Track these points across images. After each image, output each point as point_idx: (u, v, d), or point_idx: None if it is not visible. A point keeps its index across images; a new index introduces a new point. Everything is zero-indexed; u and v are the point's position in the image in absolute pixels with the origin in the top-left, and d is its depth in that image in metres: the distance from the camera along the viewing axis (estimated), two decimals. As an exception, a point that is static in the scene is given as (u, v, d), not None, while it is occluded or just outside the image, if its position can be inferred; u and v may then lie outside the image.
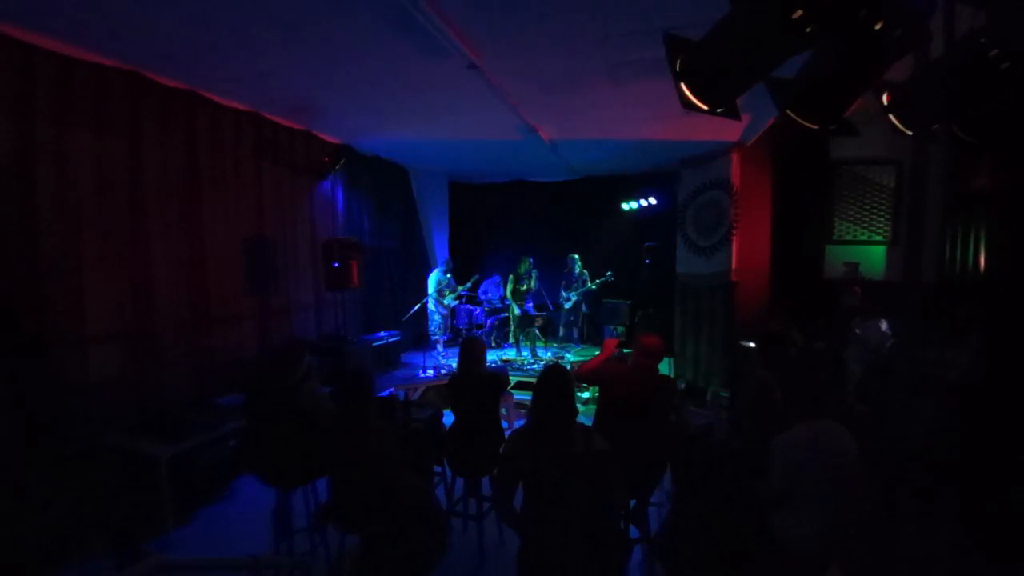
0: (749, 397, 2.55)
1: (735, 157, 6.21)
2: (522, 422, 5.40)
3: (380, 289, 7.59)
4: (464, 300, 8.01)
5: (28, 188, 3.42)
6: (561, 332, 8.47)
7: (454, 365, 4.28)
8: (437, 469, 3.88)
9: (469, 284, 7.59)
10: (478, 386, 3.41)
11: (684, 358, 7.18)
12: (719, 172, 6.46)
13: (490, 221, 9.83)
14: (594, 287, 7.75)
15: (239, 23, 3.28)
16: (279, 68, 4.04)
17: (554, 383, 2.19)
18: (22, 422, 3.31)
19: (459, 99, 4.68)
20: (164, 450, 3.56)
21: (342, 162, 6.15)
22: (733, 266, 6.29)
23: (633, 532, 3.13)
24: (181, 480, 3.71)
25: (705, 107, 2.01)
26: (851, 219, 6.76)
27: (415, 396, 6.07)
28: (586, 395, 6.20)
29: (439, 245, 8.86)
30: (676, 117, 4.51)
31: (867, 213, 6.69)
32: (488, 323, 8.30)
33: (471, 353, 3.47)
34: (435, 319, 7.46)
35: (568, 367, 2.62)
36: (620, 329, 8.04)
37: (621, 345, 6.06)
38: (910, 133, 2.39)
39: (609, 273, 7.55)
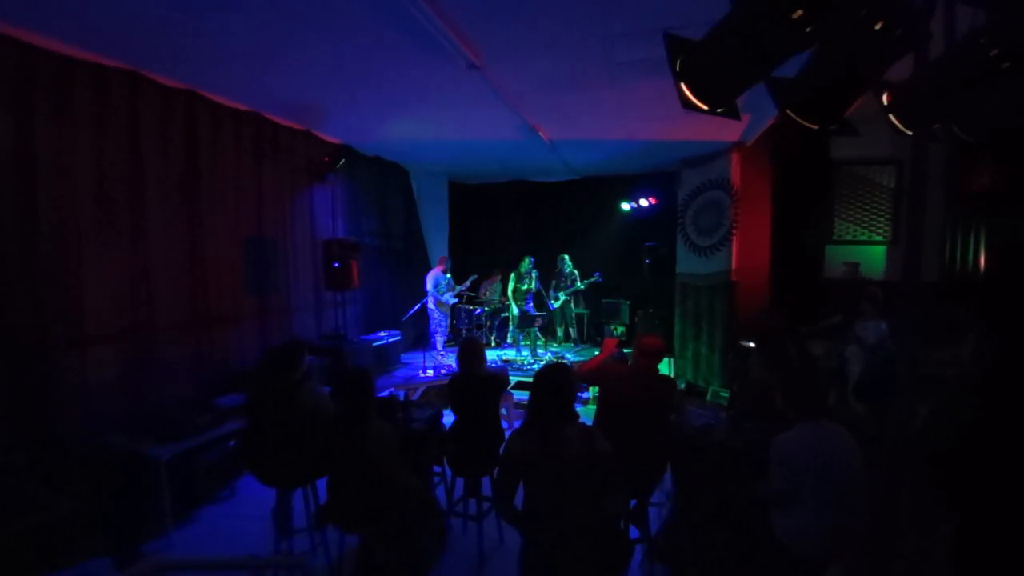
0: (749, 397, 2.56)
1: (735, 157, 6.21)
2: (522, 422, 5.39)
3: (380, 289, 7.59)
4: (463, 300, 8.02)
5: (28, 188, 3.41)
6: (559, 332, 8.48)
7: (454, 365, 4.28)
8: (437, 469, 3.88)
9: (467, 284, 7.59)
10: (478, 386, 3.41)
11: (684, 358, 7.18)
12: (719, 172, 6.46)
13: (490, 221, 9.83)
14: (582, 287, 7.75)
15: (240, 23, 3.28)
16: (279, 68, 4.04)
17: (551, 381, 2.17)
18: (22, 422, 3.31)
19: (459, 99, 4.68)
20: (164, 450, 3.56)
21: (342, 162, 6.15)
22: (733, 266, 6.29)
23: (633, 532, 3.13)
24: (181, 480, 3.71)
25: (705, 107, 2.01)
26: (851, 219, 6.77)
27: (415, 396, 6.07)
28: (586, 395, 6.20)
29: (439, 245, 8.86)
30: (676, 117, 4.51)
31: (867, 213, 6.69)
32: (489, 323, 8.29)
33: (471, 353, 3.47)
34: (435, 319, 7.46)
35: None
36: (620, 329, 8.05)
37: (621, 345, 6.08)
38: (910, 133, 2.39)
39: (597, 274, 7.54)
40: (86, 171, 3.75)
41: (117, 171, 3.96)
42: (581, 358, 7.38)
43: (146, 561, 2.12)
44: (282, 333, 5.63)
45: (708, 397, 6.21)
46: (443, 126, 5.71)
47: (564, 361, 7.10)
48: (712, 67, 1.92)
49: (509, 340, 7.94)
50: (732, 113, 2.08)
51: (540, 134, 5.80)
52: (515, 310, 7.64)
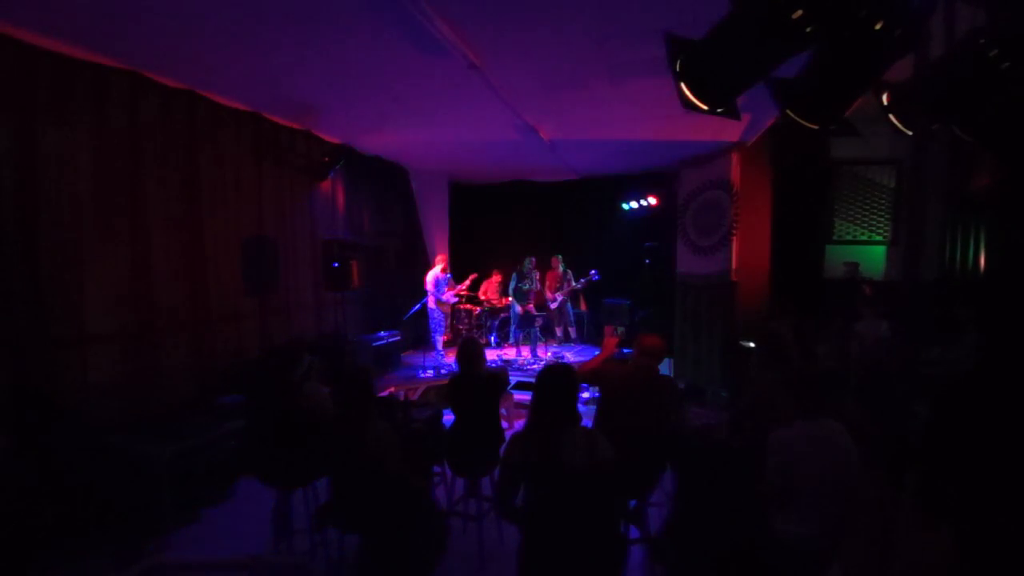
0: (749, 397, 2.56)
1: (735, 157, 6.21)
2: (522, 423, 5.40)
3: (380, 289, 7.59)
4: (463, 299, 8.01)
5: (28, 188, 3.41)
6: (559, 333, 8.47)
7: (454, 365, 4.28)
8: (437, 469, 3.88)
9: (467, 283, 7.59)
10: (478, 386, 3.41)
11: (684, 358, 7.18)
12: (719, 172, 6.46)
13: (490, 221, 9.82)
14: (578, 286, 7.75)
15: (240, 24, 3.28)
16: (279, 68, 4.04)
17: (553, 383, 2.15)
18: (22, 422, 3.31)
19: (459, 99, 4.68)
20: (164, 450, 3.56)
21: (342, 162, 6.14)
22: (733, 266, 6.29)
23: (633, 532, 3.13)
24: (181, 480, 3.71)
25: (705, 107, 2.01)
26: (851, 219, 6.77)
27: (415, 396, 6.07)
28: (586, 395, 6.19)
29: (439, 245, 8.86)
30: (676, 117, 4.50)
31: (867, 213, 6.70)
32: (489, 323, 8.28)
33: (470, 353, 3.47)
34: (435, 319, 7.46)
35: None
36: (620, 329, 8.04)
37: (621, 345, 6.07)
38: (910, 133, 2.40)
39: (593, 272, 7.51)
40: (86, 171, 3.75)
41: (117, 171, 3.96)
42: (581, 358, 7.37)
43: (146, 561, 2.12)
44: (282, 333, 5.63)
45: (708, 397, 6.21)
46: (443, 126, 5.71)
47: (564, 361, 7.10)
48: (712, 67, 1.93)
49: (511, 340, 7.93)
50: (732, 113, 2.08)
51: (540, 134, 5.80)
52: (516, 310, 7.64)
